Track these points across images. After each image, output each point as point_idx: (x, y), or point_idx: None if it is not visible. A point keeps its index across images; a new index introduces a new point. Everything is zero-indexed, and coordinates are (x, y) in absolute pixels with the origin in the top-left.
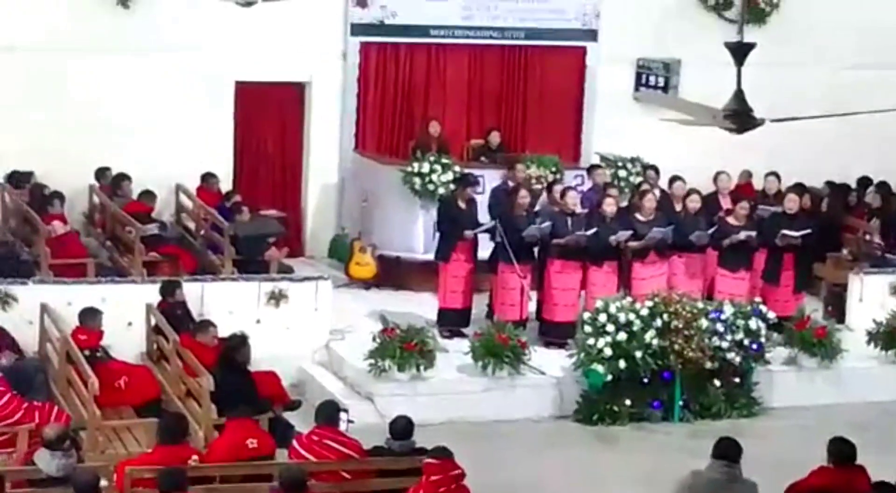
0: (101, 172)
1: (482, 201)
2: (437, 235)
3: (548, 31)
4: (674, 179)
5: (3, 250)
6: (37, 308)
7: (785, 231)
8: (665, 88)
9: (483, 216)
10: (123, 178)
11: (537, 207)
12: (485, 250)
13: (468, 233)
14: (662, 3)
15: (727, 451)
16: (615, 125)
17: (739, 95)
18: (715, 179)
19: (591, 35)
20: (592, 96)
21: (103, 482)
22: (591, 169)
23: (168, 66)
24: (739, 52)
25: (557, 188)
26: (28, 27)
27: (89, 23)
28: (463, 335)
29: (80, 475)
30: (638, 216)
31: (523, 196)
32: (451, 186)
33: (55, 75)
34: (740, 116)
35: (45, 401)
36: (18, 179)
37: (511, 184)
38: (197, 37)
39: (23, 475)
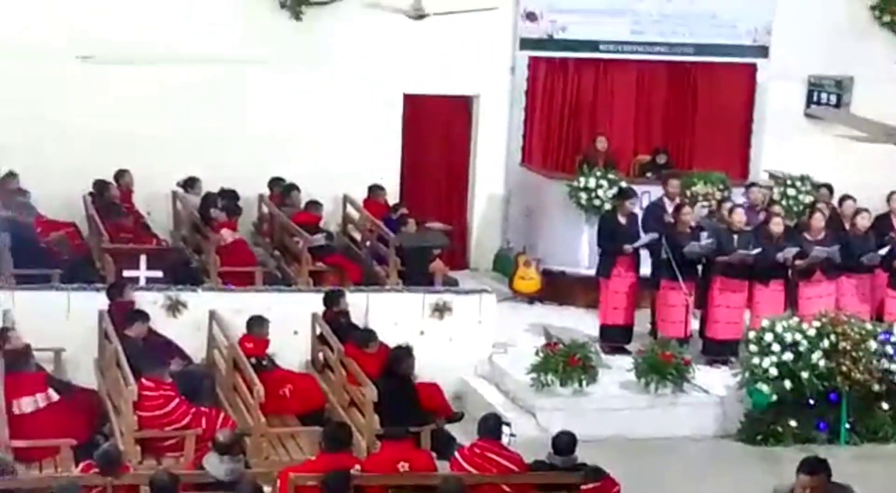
0: (274, 182)
1: None
2: (599, 250)
3: (718, 47)
4: (844, 197)
5: (175, 257)
6: (205, 315)
7: None
8: (837, 106)
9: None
10: (292, 188)
11: (692, 223)
12: (645, 266)
13: (627, 247)
14: (835, 20)
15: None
16: (785, 143)
17: None
18: (888, 199)
19: (762, 51)
20: (762, 114)
21: (267, 489)
22: (749, 187)
23: (338, 78)
24: None
25: (726, 205)
26: (202, 40)
27: (261, 35)
28: (626, 352)
29: (243, 487)
30: (806, 235)
31: (686, 213)
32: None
33: (227, 86)
34: None
35: (212, 407)
36: (192, 185)
37: (666, 199)
38: (367, 49)
39: (193, 479)
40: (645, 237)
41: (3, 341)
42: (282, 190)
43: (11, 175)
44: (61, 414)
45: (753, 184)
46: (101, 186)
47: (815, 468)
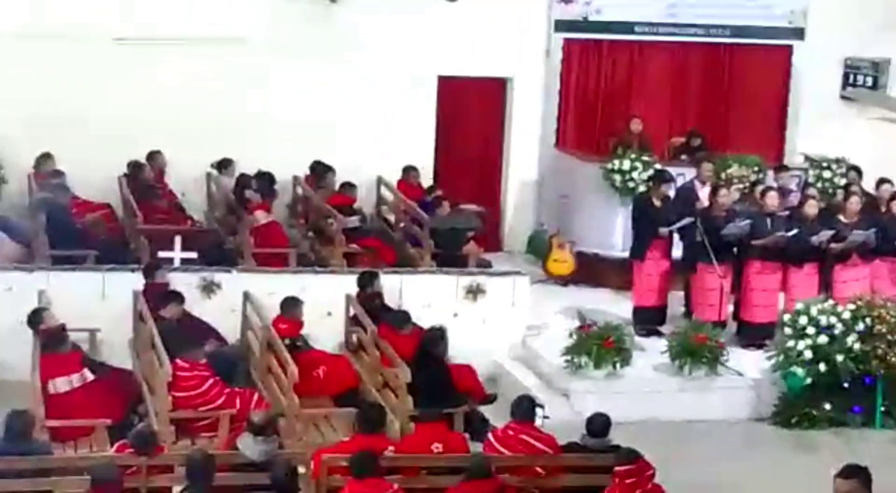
0: (316, 165)
1: None
2: (632, 233)
3: (753, 30)
4: (881, 181)
5: (209, 239)
6: (239, 296)
7: None
8: (873, 88)
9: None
10: (327, 170)
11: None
12: (678, 248)
13: (663, 230)
14: (871, 2)
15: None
16: (820, 125)
17: None
18: None
19: (798, 33)
20: (798, 96)
21: (300, 469)
22: (778, 170)
23: (372, 60)
24: None
25: (758, 188)
26: (237, 22)
27: (296, 18)
28: (660, 334)
29: (277, 467)
30: (841, 218)
31: (723, 195)
32: (651, 183)
33: (261, 69)
34: None
35: (246, 388)
36: (226, 166)
37: (697, 183)
38: (402, 31)
39: (227, 459)
40: (680, 221)
41: (39, 322)
42: (317, 172)
43: (47, 157)
44: (96, 394)
45: (783, 166)
46: (135, 167)
47: (850, 472)
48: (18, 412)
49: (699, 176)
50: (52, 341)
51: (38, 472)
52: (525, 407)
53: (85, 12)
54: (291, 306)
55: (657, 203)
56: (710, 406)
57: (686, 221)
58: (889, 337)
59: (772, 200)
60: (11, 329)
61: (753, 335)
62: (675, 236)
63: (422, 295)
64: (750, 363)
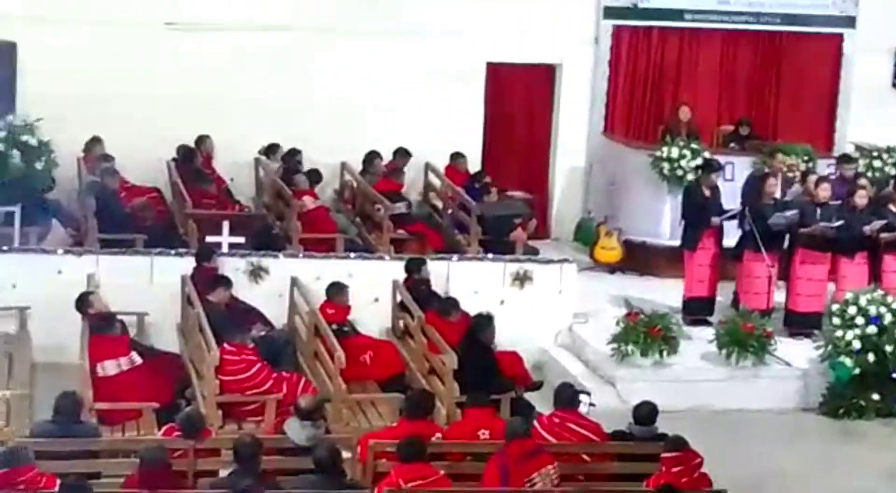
0: (399, 150)
1: (731, 189)
2: (683, 223)
3: (804, 17)
4: None
5: (257, 224)
6: (287, 281)
7: None
8: None
9: (731, 203)
10: (375, 156)
11: (788, 197)
12: (730, 238)
13: (715, 220)
14: None
15: None
16: (871, 114)
17: None
18: None
19: (849, 22)
20: (848, 85)
21: (346, 454)
22: (840, 160)
23: (422, 46)
24: None
25: (812, 178)
26: (287, 7)
27: (346, 3)
28: (707, 323)
29: (320, 449)
30: (891, 208)
31: (772, 184)
32: (699, 172)
33: (312, 54)
34: None
35: (293, 373)
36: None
37: (767, 170)
38: (451, 18)
39: (274, 444)
40: (731, 210)
41: (87, 305)
42: (363, 158)
43: (97, 141)
44: (144, 377)
45: (847, 156)
46: (187, 152)
47: None
48: (68, 394)
49: (771, 165)
50: (100, 324)
51: (86, 454)
52: (567, 395)
53: None
54: (338, 291)
55: (706, 192)
56: (758, 396)
57: (735, 209)
58: None
59: (825, 191)
60: (61, 312)
61: (800, 325)
62: (732, 224)
63: (469, 282)
64: (798, 353)
